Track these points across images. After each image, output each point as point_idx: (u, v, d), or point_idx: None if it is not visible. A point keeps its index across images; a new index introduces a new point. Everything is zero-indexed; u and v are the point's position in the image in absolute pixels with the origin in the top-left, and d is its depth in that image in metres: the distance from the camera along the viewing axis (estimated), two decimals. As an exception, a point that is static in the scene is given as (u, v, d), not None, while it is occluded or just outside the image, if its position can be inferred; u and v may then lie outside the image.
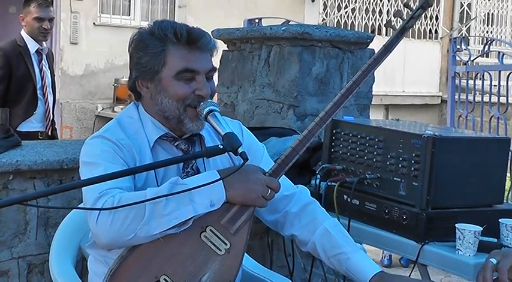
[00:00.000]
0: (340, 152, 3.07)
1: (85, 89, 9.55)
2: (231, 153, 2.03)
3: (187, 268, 2.03)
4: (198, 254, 2.05)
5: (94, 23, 9.55)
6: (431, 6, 2.31)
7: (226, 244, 2.08)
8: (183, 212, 1.98)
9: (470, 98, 6.17)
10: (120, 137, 2.16)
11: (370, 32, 10.23)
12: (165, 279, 2.02)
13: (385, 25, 2.65)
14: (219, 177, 2.02)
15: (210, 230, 2.07)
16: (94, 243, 2.25)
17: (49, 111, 5.12)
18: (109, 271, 2.02)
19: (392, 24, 2.36)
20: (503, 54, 5.99)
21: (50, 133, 5.16)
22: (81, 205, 2.32)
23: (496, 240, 2.64)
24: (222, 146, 2.00)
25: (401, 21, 2.33)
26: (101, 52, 9.57)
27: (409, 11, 2.30)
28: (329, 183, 3.00)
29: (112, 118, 8.04)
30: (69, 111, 9.38)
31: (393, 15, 2.35)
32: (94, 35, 9.55)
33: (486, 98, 6.15)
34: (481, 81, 6.09)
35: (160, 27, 2.20)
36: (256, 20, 5.47)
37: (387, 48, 2.25)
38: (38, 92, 5.03)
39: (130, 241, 1.98)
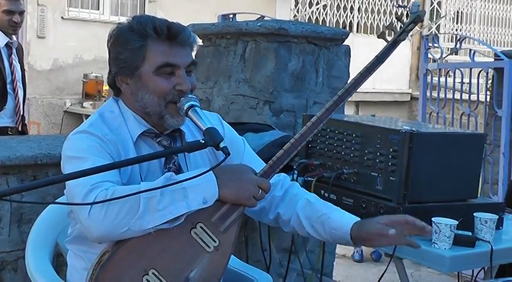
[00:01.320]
0: (318, 147, 3.09)
1: (53, 84, 9.42)
2: (213, 149, 2.04)
3: (176, 263, 2.05)
4: (187, 250, 2.06)
5: (62, 17, 9.42)
6: (422, 21, 2.37)
7: (215, 241, 2.10)
8: (176, 208, 1.98)
9: (442, 95, 6.22)
10: (105, 132, 2.16)
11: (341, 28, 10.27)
12: (153, 273, 2.02)
13: (378, 36, 2.68)
14: (209, 169, 2.02)
15: (201, 226, 2.08)
16: (74, 239, 2.25)
17: (19, 106, 5.05)
18: (97, 264, 2.01)
19: (386, 36, 2.41)
20: (475, 52, 6.04)
21: (20, 129, 5.09)
22: (62, 198, 2.31)
23: (470, 233, 2.68)
24: (203, 141, 2.00)
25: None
26: (69, 47, 9.44)
27: (402, 24, 2.35)
28: (306, 178, 3.01)
29: (81, 114, 7.89)
30: (36, 106, 9.26)
31: (386, 28, 2.40)
32: (62, 29, 9.42)
33: (457, 95, 6.21)
34: (451, 78, 6.15)
35: (139, 22, 2.19)
36: (231, 16, 5.45)
37: (379, 59, 2.31)
38: (8, 86, 4.96)
39: (123, 234, 1.98)
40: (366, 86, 11.55)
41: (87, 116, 8.79)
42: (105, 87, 9.14)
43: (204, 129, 2.05)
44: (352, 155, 2.92)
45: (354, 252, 5.76)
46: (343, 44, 4.17)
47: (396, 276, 3.96)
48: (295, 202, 2.38)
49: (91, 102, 9.17)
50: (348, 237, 2.23)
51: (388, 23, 2.39)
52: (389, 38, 2.43)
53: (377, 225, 2.20)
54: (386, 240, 2.20)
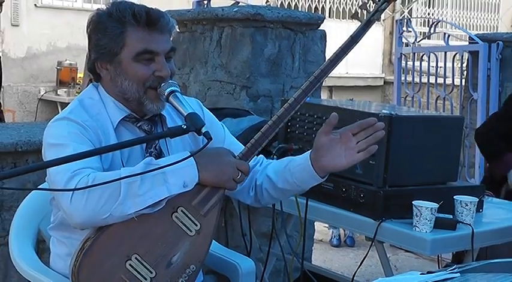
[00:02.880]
0: (297, 131, 3.09)
1: (27, 72, 9.36)
2: (194, 133, 2.03)
3: (158, 248, 2.05)
4: (169, 235, 2.06)
5: (35, 5, 9.34)
6: (395, 0, 2.36)
7: (196, 225, 2.10)
8: (157, 192, 1.98)
9: (416, 79, 6.25)
10: (85, 119, 2.14)
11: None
12: (136, 258, 2.02)
13: (351, 17, 2.67)
14: (189, 154, 2.02)
15: (182, 210, 2.08)
16: (57, 225, 2.24)
17: (-6, 94, 5.01)
18: (81, 250, 2.01)
19: (359, 16, 2.40)
20: (449, 36, 6.07)
21: (-4, 116, 5.05)
22: (44, 185, 2.29)
23: (451, 216, 2.70)
24: (185, 126, 2.00)
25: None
26: (43, 34, 9.38)
27: (375, 3, 2.34)
28: (286, 163, 3.01)
29: (55, 101, 7.81)
30: (11, 94, 9.19)
31: (359, 7, 2.39)
32: (36, 16, 9.35)
33: (431, 79, 6.25)
34: (425, 62, 6.18)
35: (118, 8, 2.18)
36: (205, 1, 5.44)
37: (354, 39, 2.29)
38: (-17, 74, 4.91)
39: (105, 220, 1.97)
40: (340, 70, 11.63)
41: (62, 103, 8.76)
42: (79, 74, 9.08)
43: (185, 114, 2.05)
44: (331, 139, 2.91)
45: (332, 238, 5.79)
46: (319, 28, 4.17)
47: (373, 261, 3.99)
48: (265, 168, 2.37)
49: (65, 89, 9.12)
50: (308, 162, 2.20)
51: (361, 3, 2.38)
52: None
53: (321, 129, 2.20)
54: (340, 147, 2.19)
